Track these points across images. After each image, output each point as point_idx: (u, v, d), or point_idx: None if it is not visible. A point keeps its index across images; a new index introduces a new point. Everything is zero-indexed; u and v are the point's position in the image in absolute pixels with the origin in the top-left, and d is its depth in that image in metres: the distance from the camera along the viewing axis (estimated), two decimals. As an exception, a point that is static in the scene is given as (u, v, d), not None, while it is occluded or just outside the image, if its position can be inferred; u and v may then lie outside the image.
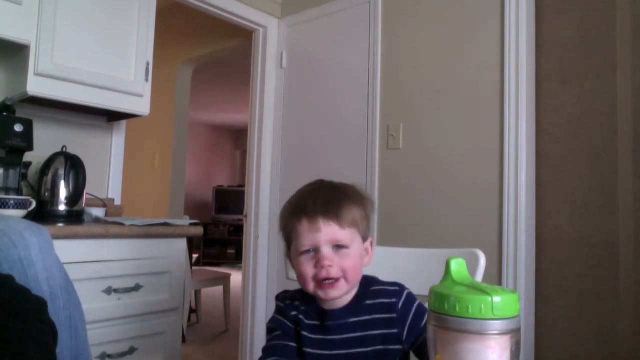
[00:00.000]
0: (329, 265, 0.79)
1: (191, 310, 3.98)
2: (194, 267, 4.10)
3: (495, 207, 1.90)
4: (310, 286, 0.81)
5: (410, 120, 2.21)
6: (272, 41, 2.79)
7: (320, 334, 0.84)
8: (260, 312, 2.67)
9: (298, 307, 0.87)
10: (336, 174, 2.58)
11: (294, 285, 1.18)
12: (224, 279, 3.92)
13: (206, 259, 7.62)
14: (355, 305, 0.84)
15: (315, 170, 2.54)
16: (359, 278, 0.84)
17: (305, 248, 0.81)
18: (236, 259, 7.38)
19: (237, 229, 7.42)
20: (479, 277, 0.97)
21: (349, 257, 0.81)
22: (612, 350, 1.69)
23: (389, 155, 2.26)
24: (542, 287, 1.87)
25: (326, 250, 0.80)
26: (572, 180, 1.83)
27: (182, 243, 1.82)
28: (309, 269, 0.80)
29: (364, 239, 0.85)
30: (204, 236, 7.44)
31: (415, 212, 2.14)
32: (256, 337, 2.66)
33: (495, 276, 1.86)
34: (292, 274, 1.17)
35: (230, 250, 7.76)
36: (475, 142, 1.99)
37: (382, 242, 2.21)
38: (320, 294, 0.81)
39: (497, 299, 0.43)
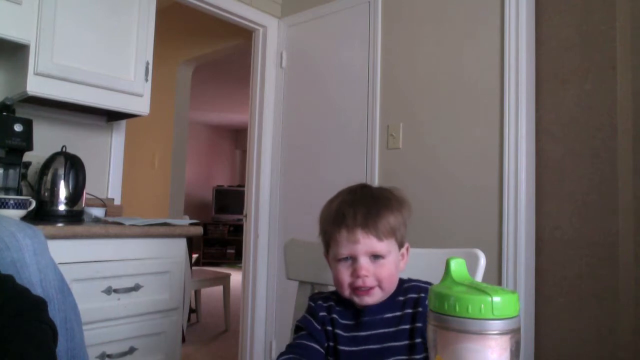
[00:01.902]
0: (365, 276, 0.82)
1: (191, 310, 3.98)
2: (194, 267, 4.10)
3: (495, 207, 1.90)
4: (347, 292, 0.85)
5: (410, 120, 2.21)
6: (272, 41, 2.79)
7: (354, 331, 0.87)
8: (260, 312, 2.67)
9: (333, 308, 0.90)
10: (336, 174, 2.59)
11: (293, 285, 1.18)
12: (224, 279, 3.92)
13: (206, 259, 7.62)
14: (390, 301, 0.87)
15: (315, 170, 2.56)
16: (394, 285, 0.87)
17: (343, 256, 0.84)
18: (236, 259, 7.38)
19: (237, 229, 7.42)
20: (479, 277, 0.97)
21: (385, 266, 0.84)
22: (612, 350, 1.69)
23: (389, 155, 2.26)
24: (542, 287, 1.87)
25: (363, 261, 0.83)
26: (572, 180, 1.83)
27: (182, 243, 1.82)
28: (345, 276, 0.84)
29: (401, 246, 0.88)
30: (204, 236, 7.44)
31: (415, 212, 2.12)
32: (256, 337, 2.66)
33: (495, 276, 1.86)
34: (292, 274, 1.18)
35: (230, 250, 7.76)
36: (475, 142, 1.99)
37: (382, 242, 2.20)
38: (356, 299, 0.85)
39: (497, 299, 0.43)
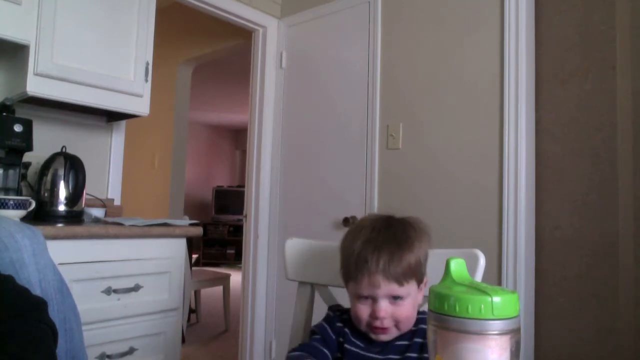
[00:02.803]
0: (384, 317, 0.84)
1: (191, 311, 3.98)
2: (193, 268, 4.10)
3: (495, 207, 1.90)
4: (364, 327, 0.87)
5: (410, 120, 2.21)
6: (272, 41, 2.79)
7: (363, 350, 0.88)
8: (260, 312, 2.67)
9: (347, 322, 0.92)
10: (336, 174, 2.58)
11: (293, 285, 1.18)
12: (224, 279, 3.92)
13: (206, 260, 7.62)
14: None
15: (315, 170, 2.56)
16: (411, 324, 0.88)
17: (364, 295, 0.85)
18: (236, 259, 7.38)
19: (237, 229, 7.42)
20: (479, 277, 0.97)
21: (403, 307, 0.85)
22: (612, 350, 1.69)
23: (389, 155, 2.26)
24: (542, 287, 1.87)
25: (383, 304, 0.84)
26: (572, 180, 1.83)
27: (182, 243, 1.82)
28: (364, 314, 0.86)
29: (420, 282, 0.89)
30: (204, 236, 7.44)
31: (415, 212, 2.11)
32: (256, 337, 2.66)
33: (495, 276, 1.86)
34: (292, 275, 1.17)
35: (230, 251, 7.76)
36: (475, 142, 1.99)
37: (382, 242, 2.20)
38: (372, 335, 0.87)
39: (497, 299, 0.43)
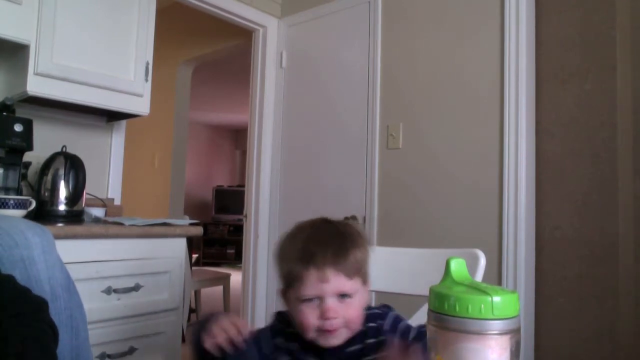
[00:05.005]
0: (334, 318, 0.78)
1: (191, 310, 3.97)
2: (194, 267, 4.10)
3: (495, 207, 1.90)
4: (311, 335, 0.80)
5: (410, 120, 2.21)
6: (272, 41, 2.79)
7: None
8: (260, 312, 2.67)
9: (294, 336, 0.84)
10: (336, 174, 2.58)
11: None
12: (224, 279, 3.92)
13: (206, 259, 7.62)
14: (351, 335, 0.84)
15: (315, 170, 2.56)
16: (359, 325, 0.83)
17: (309, 297, 0.79)
18: (236, 259, 7.37)
19: (237, 229, 7.41)
20: (479, 277, 0.98)
21: (352, 306, 0.80)
22: (612, 350, 1.69)
23: (389, 155, 2.26)
24: (542, 287, 1.87)
25: (332, 302, 0.78)
26: (572, 180, 1.83)
27: (182, 243, 1.82)
28: (312, 319, 0.78)
29: (364, 282, 0.84)
30: (204, 236, 7.42)
31: (415, 212, 2.14)
32: (256, 337, 2.66)
33: (495, 276, 1.86)
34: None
35: (230, 251, 7.76)
36: (475, 142, 1.99)
37: (382, 242, 2.21)
38: (321, 341, 0.80)
39: (497, 299, 0.43)
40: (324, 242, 0.81)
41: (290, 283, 0.81)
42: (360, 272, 0.82)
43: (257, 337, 0.86)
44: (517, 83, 1.88)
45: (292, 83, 2.73)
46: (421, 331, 0.82)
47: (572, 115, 1.86)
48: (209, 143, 8.51)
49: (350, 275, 0.79)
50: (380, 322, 0.84)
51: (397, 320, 0.85)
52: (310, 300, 0.79)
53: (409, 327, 0.84)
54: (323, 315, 0.78)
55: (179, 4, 2.56)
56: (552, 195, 1.88)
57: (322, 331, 0.78)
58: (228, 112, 7.45)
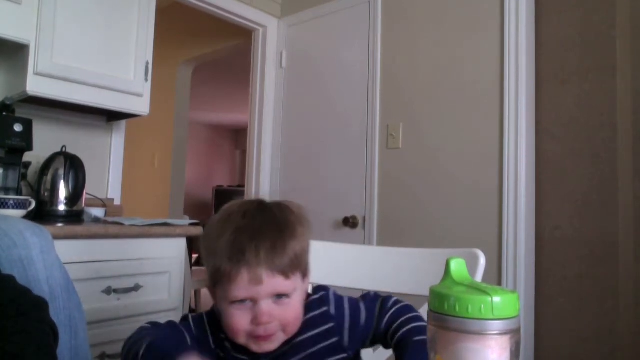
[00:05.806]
0: (268, 322, 0.67)
1: (191, 310, 3.97)
2: (194, 267, 4.10)
3: (495, 207, 1.90)
4: (242, 340, 0.69)
5: (410, 120, 2.21)
6: (272, 41, 2.79)
7: None
8: (260, 312, 2.67)
9: (224, 341, 0.74)
10: (336, 174, 2.57)
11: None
12: (224, 279, 3.91)
13: (206, 259, 7.61)
14: None
15: (315, 170, 2.56)
16: (297, 327, 0.72)
17: (240, 299, 0.67)
18: (236, 259, 7.36)
19: (237, 229, 7.40)
20: (479, 277, 0.97)
21: (290, 307, 0.69)
22: (612, 350, 1.69)
23: (389, 155, 2.26)
24: (542, 287, 1.87)
25: (266, 306, 0.67)
26: (572, 180, 1.83)
27: (182, 243, 1.82)
28: (242, 323, 0.67)
29: (304, 275, 0.73)
30: (204, 236, 7.42)
31: (415, 212, 2.14)
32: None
33: (495, 276, 1.86)
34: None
35: (230, 250, 7.75)
36: (475, 142, 1.99)
37: (382, 242, 2.21)
38: (253, 347, 0.69)
39: (497, 299, 0.43)
40: (257, 236, 0.68)
41: (217, 281, 0.69)
42: (300, 267, 0.71)
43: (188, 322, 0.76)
44: (517, 83, 1.88)
45: (292, 83, 2.73)
46: (378, 297, 0.77)
47: (572, 115, 1.86)
48: (209, 143, 8.51)
49: (288, 273, 0.68)
50: (325, 308, 0.75)
51: (339, 300, 0.77)
52: (241, 301, 0.67)
53: (355, 305, 0.76)
54: (256, 320, 0.67)
55: (179, 4, 2.56)
56: (552, 195, 1.88)
57: (255, 337, 0.68)
58: (228, 112, 7.45)
